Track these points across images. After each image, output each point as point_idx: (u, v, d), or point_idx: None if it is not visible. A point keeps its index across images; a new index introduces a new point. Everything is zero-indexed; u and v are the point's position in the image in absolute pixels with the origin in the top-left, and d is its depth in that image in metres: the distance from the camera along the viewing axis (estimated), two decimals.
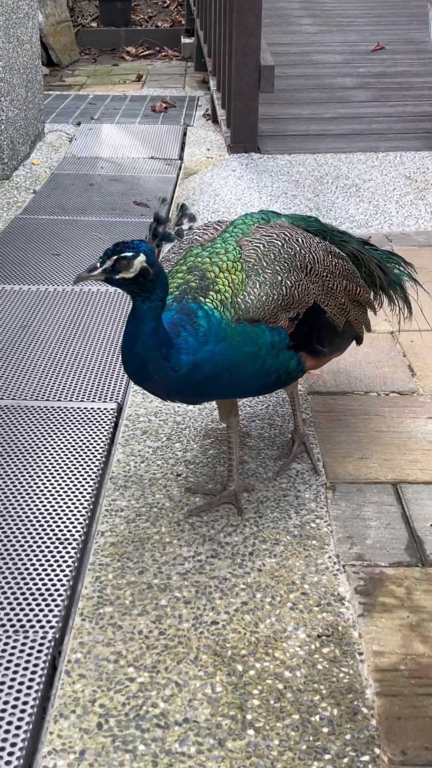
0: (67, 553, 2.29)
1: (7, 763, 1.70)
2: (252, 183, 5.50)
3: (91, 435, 2.84)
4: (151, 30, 11.50)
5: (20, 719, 1.79)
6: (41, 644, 1.99)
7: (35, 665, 1.93)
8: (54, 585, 2.17)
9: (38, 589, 2.16)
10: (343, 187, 5.47)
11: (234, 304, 2.20)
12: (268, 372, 2.26)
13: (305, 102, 6.89)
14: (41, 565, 2.24)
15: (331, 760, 1.72)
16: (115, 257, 1.97)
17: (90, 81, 9.52)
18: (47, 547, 2.31)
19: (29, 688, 1.87)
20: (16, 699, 1.84)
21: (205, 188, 5.54)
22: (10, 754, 1.71)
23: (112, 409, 3.00)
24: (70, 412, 2.97)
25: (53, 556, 2.27)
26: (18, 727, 1.78)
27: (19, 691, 1.86)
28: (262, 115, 5.97)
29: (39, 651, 1.97)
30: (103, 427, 2.89)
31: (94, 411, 2.98)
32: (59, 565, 2.24)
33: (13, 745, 1.73)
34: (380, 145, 5.87)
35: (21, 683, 1.88)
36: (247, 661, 1.96)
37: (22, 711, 1.81)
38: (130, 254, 1.97)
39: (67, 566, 2.24)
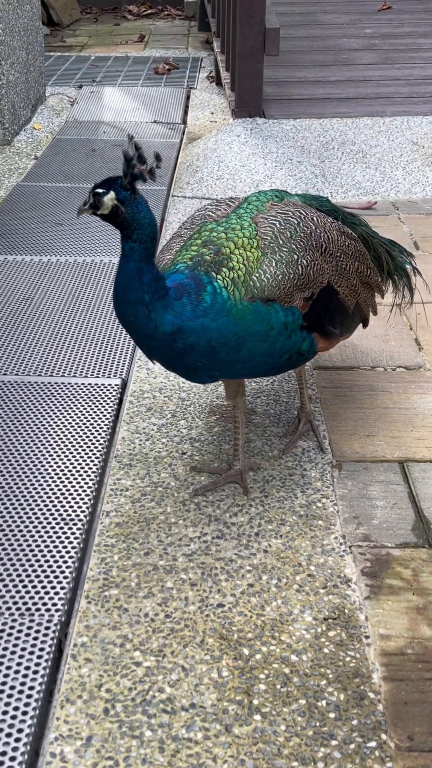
0: (72, 534, 2.28)
1: (15, 749, 1.70)
2: (257, 149, 5.42)
3: (95, 412, 2.82)
4: None
5: (27, 704, 1.79)
6: (47, 627, 1.98)
7: (41, 649, 1.93)
8: (59, 567, 2.16)
9: (43, 571, 2.15)
10: (349, 153, 5.39)
11: (247, 283, 2.17)
12: (279, 352, 2.23)
13: (310, 64, 6.77)
14: (46, 546, 2.23)
15: (337, 746, 1.72)
16: (91, 193, 2.04)
17: (91, 41, 9.36)
18: (52, 527, 2.30)
19: (35, 672, 1.87)
20: (23, 684, 1.84)
21: (209, 154, 5.46)
22: (17, 740, 1.72)
23: (116, 385, 2.98)
24: (75, 389, 2.94)
25: (58, 537, 2.26)
26: (25, 713, 1.78)
27: (25, 675, 1.86)
28: (267, 78, 5.87)
29: (45, 635, 1.96)
30: (108, 404, 2.86)
31: (99, 387, 2.96)
32: (64, 547, 2.23)
33: (20, 731, 1.74)
34: (387, 109, 5.78)
35: (27, 667, 1.88)
36: (254, 645, 1.95)
37: (29, 696, 1.81)
38: (101, 191, 2.03)
39: (72, 548, 2.23)
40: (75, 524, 2.31)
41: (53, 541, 2.25)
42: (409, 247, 4.26)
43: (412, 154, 5.37)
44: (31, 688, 1.84)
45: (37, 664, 1.89)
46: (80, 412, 2.82)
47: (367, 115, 5.70)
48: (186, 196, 5.00)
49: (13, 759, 1.68)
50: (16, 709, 1.78)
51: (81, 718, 1.77)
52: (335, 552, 2.24)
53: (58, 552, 2.21)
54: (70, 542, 2.25)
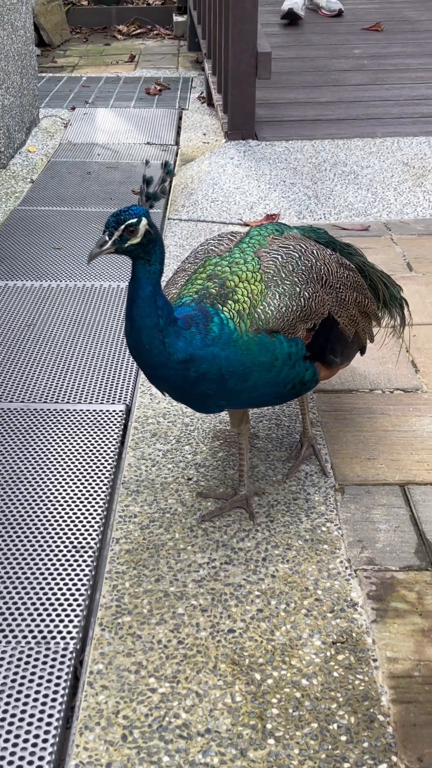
0: (84, 561, 2.33)
1: None
2: (250, 171, 5.50)
3: (101, 438, 2.87)
4: (142, 7, 11.37)
5: (47, 732, 1.84)
6: (63, 655, 2.03)
7: (58, 677, 1.98)
8: (72, 595, 2.21)
9: (57, 599, 2.20)
10: (341, 175, 5.47)
11: (252, 315, 2.23)
12: (283, 382, 2.30)
13: (301, 85, 6.86)
14: (59, 574, 2.28)
15: None
16: (122, 227, 2.02)
17: (82, 62, 9.44)
18: (64, 555, 2.35)
19: (54, 700, 1.92)
20: (42, 712, 1.89)
21: (203, 177, 5.54)
22: None
23: (120, 411, 3.03)
24: (79, 415, 3.00)
25: (70, 565, 2.31)
26: (45, 740, 1.82)
27: (44, 704, 1.91)
28: (259, 100, 5.94)
29: (61, 662, 2.01)
30: (113, 430, 2.92)
31: (103, 413, 3.01)
32: (77, 575, 2.28)
33: (41, 758, 1.78)
34: (377, 130, 5.86)
35: (45, 695, 1.93)
36: (265, 670, 2.01)
37: (48, 724, 1.86)
38: (134, 221, 2.02)
39: (84, 575, 2.28)
40: (86, 552, 2.36)
41: (65, 569, 2.30)
42: (402, 269, 4.35)
43: (403, 174, 5.45)
44: (50, 716, 1.88)
45: (55, 692, 1.94)
46: (86, 438, 2.87)
47: (358, 137, 5.79)
48: (182, 218, 5.07)
49: None
50: (36, 737, 1.83)
51: (100, 745, 1.82)
52: (341, 576, 2.30)
53: (71, 580, 2.26)
54: (82, 570, 2.30)
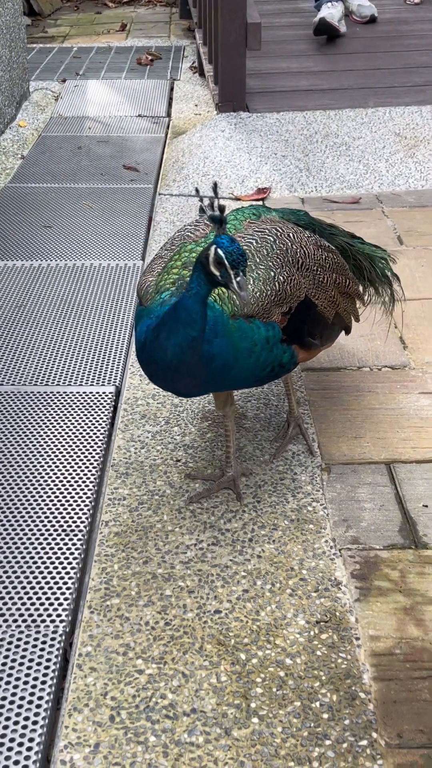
0: (74, 545, 2.37)
1: (27, 758, 1.80)
2: (241, 144, 5.47)
3: (91, 421, 2.90)
4: None
5: (36, 714, 1.89)
6: (53, 638, 2.08)
7: (48, 660, 2.03)
8: (62, 578, 2.26)
9: (47, 583, 2.24)
10: (332, 146, 5.44)
11: (230, 299, 2.25)
12: (262, 366, 2.32)
13: (293, 54, 6.80)
14: (48, 558, 2.32)
15: (331, 745, 1.83)
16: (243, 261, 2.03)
17: (73, 31, 9.34)
18: (53, 539, 2.39)
19: (43, 683, 1.97)
20: (32, 694, 1.94)
21: (194, 150, 5.51)
22: (29, 749, 1.82)
23: (110, 392, 3.06)
24: (70, 398, 3.03)
25: (60, 549, 2.35)
26: (35, 722, 1.88)
27: (33, 686, 1.96)
28: (250, 70, 5.90)
29: (51, 645, 2.06)
30: (103, 412, 2.95)
31: (93, 396, 3.04)
32: (66, 558, 2.32)
33: (31, 740, 1.84)
34: (369, 100, 5.82)
35: (35, 678, 1.98)
36: (250, 650, 2.05)
37: (38, 706, 1.91)
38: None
39: (74, 558, 2.32)
40: (75, 535, 2.40)
41: (55, 553, 2.34)
42: (393, 242, 4.35)
43: (395, 145, 5.43)
44: (40, 698, 1.93)
45: (45, 675, 1.99)
46: (76, 421, 2.90)
47: (350, 107, 5.75)
48: (173, 194, 5.06)
49: (25, 767, 1.78)
50: (26, 719, 1.88)
51: (88, 726, 1.87)
52: (326, 555, 2.34)
53: (60, 563, 2.31)
54: (71, 553, 2.34)
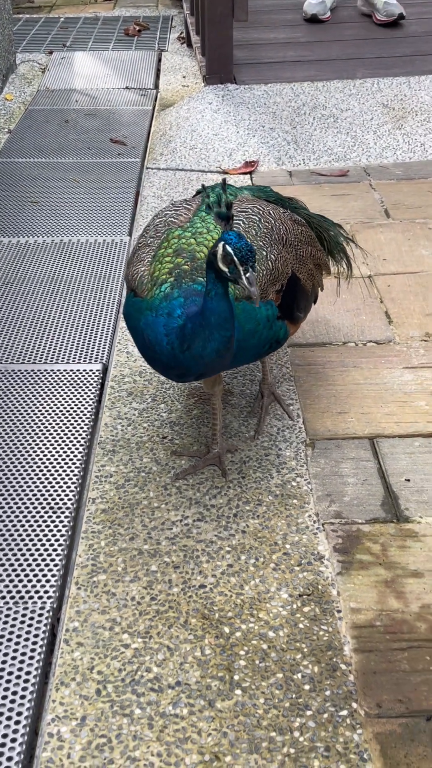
0: (61, 522, 2.40)
1: (15, 731, 1.84)
2: (229, 116, 5.45)
3: (78, 398, 2.93)
4: None
5: (24, 688, 1.94)
6: (40, 614, 2.12)
7: (36, 635, 2.07)
8: (50, 555, 2.30)
9: (35, 560, 2.28)
10: (320, 118, 5.43)
11: (236, 288, 2.25)
12: (263, 343, 2.35)
13: (281, 24, 6.75)
14: (36, 535, 2.36)
15: (312, 716, 1.87)
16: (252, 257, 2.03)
17: (60, 1, 9.24)
18: (41, 516, 2.42)
19: (31, 658, 2.01)
20: (20, 669, 1.98)
21: (182, 123, 5.49)
22: (17, 722, 1.86)
23: (97, 370, 3.08)
24: (57, 375, 3.05)
25: (47, 526, 2.39)
26: (23, 696, 1.92)
27: (22, 661, 2.00)
28: (237, 41, 5.87)
29: (39, 621, 2.10)
30: (90, 390, 2.97)
31: (81, 373, 3.06)
32: (53, 535, 2.36)
33: (20, 713, 1.88)
34: (357, 71, 5.80)
35: (23, 653, 2.02)
36: (234, 623, 2.10)
37: (26, 681, 1.96)
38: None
39: (61, 535, 2.36)
40: (63, 512, 2.44)
41: (42, 530, 2.38)
42: (380, 216, 4.36)
43: (383, 117, 5.41)
44: (28, 672, 1.98)
45: (33, 650, 2.03)
46: (63, 399, 2.93)
47: (338, 78, 5.73)
48: (160, 167, 5.05)
49: (14, 740, 1.83)
50: (14, 693, 1.93)
51: (75, 700, 1.92)
52: (309, 530, 2.38)
53: (48, 540, 2.34)
54: (59, 530, 2.38)
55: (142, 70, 6.88)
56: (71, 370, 3.08)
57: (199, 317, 2.13)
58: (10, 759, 1.79)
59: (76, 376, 3.05)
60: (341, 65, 5.92)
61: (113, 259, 3.91)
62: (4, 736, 1.83)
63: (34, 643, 2.05)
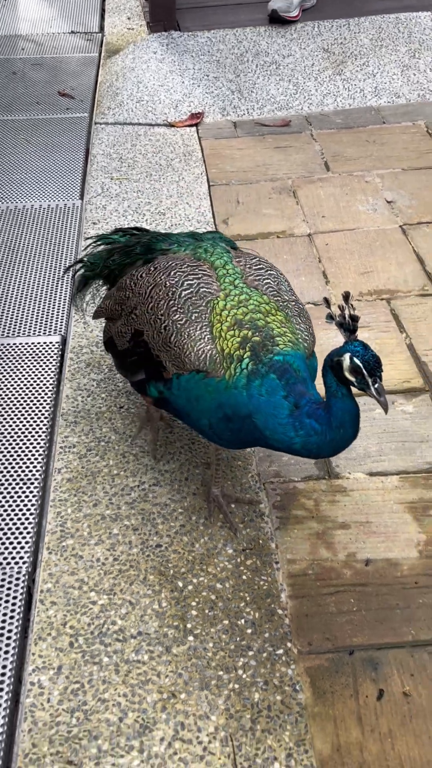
0: (31, 492, 2.69)
1: (1, 681, 2.17)
2: (174, 66, 5.56)
3: (40, 371, 3.18)
4: None
5: (7, 644, 2.26)
6: (17, 578, 2.43)
7: (14, 597, 2.38)
8: (22, 523, 2.59)
9: (9, 529, 2.58)
10: (263, 65, 5.55)
11: (300, 342, 2.29)
12: None
13: None
14: (9, 506, 2.65)
15: (253, 655, 2.22)
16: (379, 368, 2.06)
17: None
18: (12, 488, 2.71)
19: (11, 617, 2.33)
20: (2, 627, 2.30)
21: (127, 74, 5.59)
22: (2, 674, 2.19)
23: (57, 342, 3.33)
24: (17, 349, 3.29)
25: (18, 497, 2.68)
26: (6, 651, 2.24)
27: (2, 620, 2.32)
28: None
29: (17, 584, 2.41)
30: (51, 362, 3.22)
31: (40, 346, 3.31)
32: (25, 505, 2.65)
33: (4, 666, 2.20)
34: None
35: (4, 614, 2.33)
36: (186, 578, 2.42)
37: (8, 637, 2.27)
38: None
39: (32, 505, 2.65)
40: (32, 483, 2.73)
41: (14, 500, 2.67)
42: (320, 169, 4.57)
43: (324, 62, 5.55)
44: (9, 630, 2.30)
45: (12, 610, 2.35)
46: (25, 372, 3.18)
47: (279, 22, 5.81)
48: (108, 122, 5.18)
49: (0, 690, 2.15)
50: None
51: (52, 652, 2.24)
52: (252, 489, 2.70)
53: (20, 510, 2.64)
54: (29, 500, 2.67)
55: (86, 11, 6.88)
56: (31, 344, 3.32)
57: (327, 420, 2.12)
58: None
59: (36, 349, 3.29)
60: None
61: (66, 225, 4.10)
62: None
63: (14, 604, 2.36)
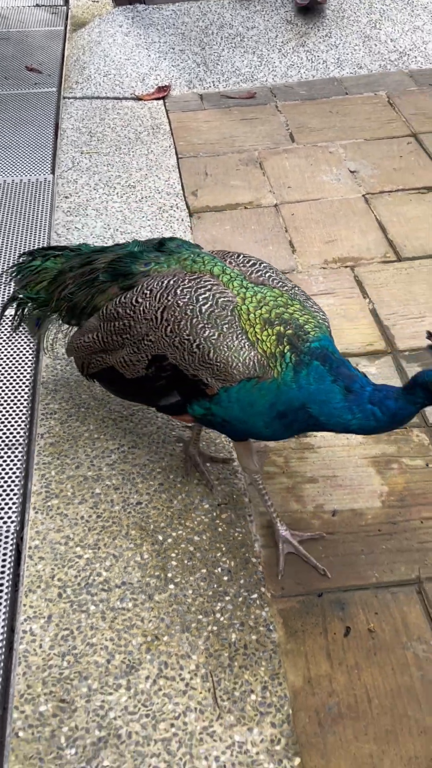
0: (16, 456, 2.84)
1: None
2: (140, 39, 5.64)
3: (20, 342, 3.31)
4: None
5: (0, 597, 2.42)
6: (6, 536, 2.58)
7: (4, 553, 2.53)
8: (9, 486, 2.74)
9: None
10: (227, 38, 5.65)
11: (322, 324, 2.34)
12: None
13: None
14: None
15: (230, 600, 2.40)
16: None
17: None
18: None
19: (2, 572, 2.48)
20: None
21: (94, 48, 5.66)
22: None
23: None
24: None
25: (5, 461, 2.82)
26: None
27: None
28: None
29: (6, 542, 2.56)
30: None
31: None
32: (11, 468, 2.80)
33: None
34: None
35: None
36: (166, 531, 2.59)
37: (0, 591, 2.43)
38: None
39: (18, 468, 2.80)
40: (17, 448, 2.87)
41: (1, 465, 2.81)
42: (285, 140, 4.69)
43: (287, 33, 5.66)
44: (1, 584, 2.45)
45: (3, 566, 2.50)
46: (6, 343, 3.31)
47: None
48: (77, 96, 5.26)
49: None
50: None
51: (42, 602, 2.40)
52: (225, 449, 2.86)
53: (6, 474, 2.78)
54: (15, 464, 2.81)
55: None
56: (9, 315, 3.44)
57: (393, 409, 2.21)
58: None
59: None
60: None
61: (38, 200, 4.21)
62: None
63: (3, 560, 2.52)
